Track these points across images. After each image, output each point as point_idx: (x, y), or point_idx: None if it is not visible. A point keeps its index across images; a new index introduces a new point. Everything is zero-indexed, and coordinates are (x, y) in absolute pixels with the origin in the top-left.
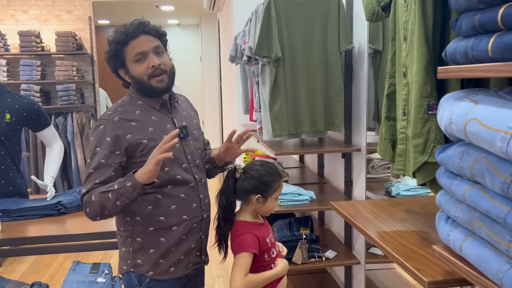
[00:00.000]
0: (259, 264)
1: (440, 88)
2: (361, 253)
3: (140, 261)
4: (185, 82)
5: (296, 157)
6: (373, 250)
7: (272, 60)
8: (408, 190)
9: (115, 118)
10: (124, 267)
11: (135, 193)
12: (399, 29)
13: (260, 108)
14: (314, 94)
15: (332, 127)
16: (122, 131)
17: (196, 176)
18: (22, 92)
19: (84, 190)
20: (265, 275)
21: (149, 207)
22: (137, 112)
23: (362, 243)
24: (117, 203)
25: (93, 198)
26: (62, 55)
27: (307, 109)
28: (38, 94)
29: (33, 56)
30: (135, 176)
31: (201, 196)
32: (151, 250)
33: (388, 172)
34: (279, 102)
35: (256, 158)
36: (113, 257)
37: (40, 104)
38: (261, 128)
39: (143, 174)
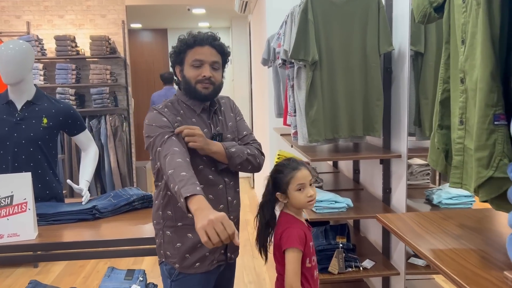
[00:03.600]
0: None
1: (504, 96)
2: (400, 263)
3: (168, 253)
4: None
5: (330, 162)
6: (413, 260)
7: (308, 64)
8: (450, 199)
9: (165, 109)
10: (159, 258)
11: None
12: (455, 32)
13: (295, 112)
14: (352, 98)
15: (371, 132)
16: (171, 119)
17: (225, 179)
18: (57, 96)
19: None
20: None
21: (179, 204)
22: (181, 111)
23: (402, 253)
24: (170, 185)
25: (167, 164)
26: (96, 59)
27: (345, 113)
28: (73, 97)
29: (68, 60)
30: (189, 206)
31: (229, 198)
32: (178, 244)
33: (428, 179)
34: (316, 106)
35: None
36: (144, 263)
37: (75, 107)
38: (295, 133)
39: (195, 209)
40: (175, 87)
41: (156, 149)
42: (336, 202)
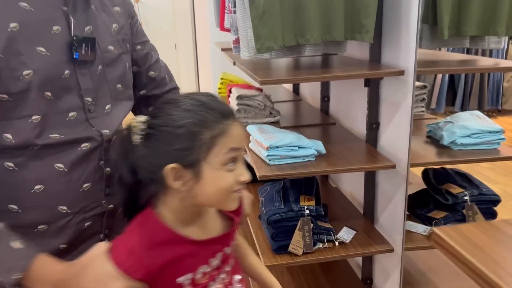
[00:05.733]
0: None
1: None
2: (393, 231)
3: None
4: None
5: (288, 86)
6: (408, 226)
7: None
8: (468, 137)
9: None
10: None
11: None
12: None
13: (235, 6)
14: None
15: (357, 34)
16: None
17: (102, 132)
18: None
19: None
20: None
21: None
22: None
23: (397, 214)
24: None
25: None
26: None
27: (316, 2)
28: None
29: None
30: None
31: (108, 169)
32: None
33: (423, 107)
34: None
35: (232, 88)
36: None
37: None
38: (237, 41)
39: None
40: None
41: None
42: (300, 147)
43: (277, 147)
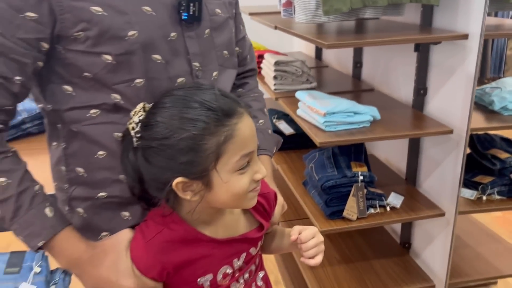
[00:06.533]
0: None
1: None
2: (441, 197)
3: None
4: None
5: (310, 52)
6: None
7: None
8: None
9: None
10: None
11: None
12: None
13: None
14: None
15: None
16: None
17: None
18: None
19: None
20: None
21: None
22: None
23: (446, 180)
24: None
25: None
26: None
27: None
28: None
29: None
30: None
31: None
32: (103, 233)
33: None
34: None
35: (264, 54)
36: None
37: None
38: (288, 3)
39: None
40: None
41: None
42: (355, 113)
43: (334, 113)
